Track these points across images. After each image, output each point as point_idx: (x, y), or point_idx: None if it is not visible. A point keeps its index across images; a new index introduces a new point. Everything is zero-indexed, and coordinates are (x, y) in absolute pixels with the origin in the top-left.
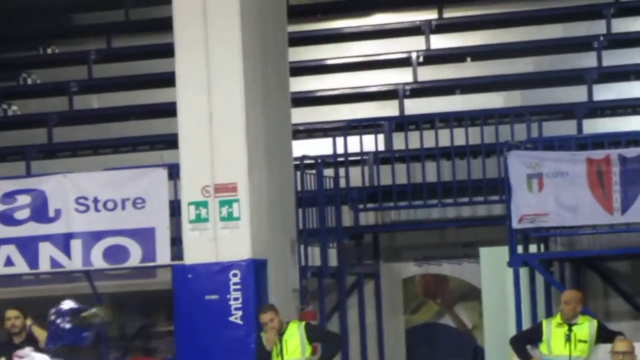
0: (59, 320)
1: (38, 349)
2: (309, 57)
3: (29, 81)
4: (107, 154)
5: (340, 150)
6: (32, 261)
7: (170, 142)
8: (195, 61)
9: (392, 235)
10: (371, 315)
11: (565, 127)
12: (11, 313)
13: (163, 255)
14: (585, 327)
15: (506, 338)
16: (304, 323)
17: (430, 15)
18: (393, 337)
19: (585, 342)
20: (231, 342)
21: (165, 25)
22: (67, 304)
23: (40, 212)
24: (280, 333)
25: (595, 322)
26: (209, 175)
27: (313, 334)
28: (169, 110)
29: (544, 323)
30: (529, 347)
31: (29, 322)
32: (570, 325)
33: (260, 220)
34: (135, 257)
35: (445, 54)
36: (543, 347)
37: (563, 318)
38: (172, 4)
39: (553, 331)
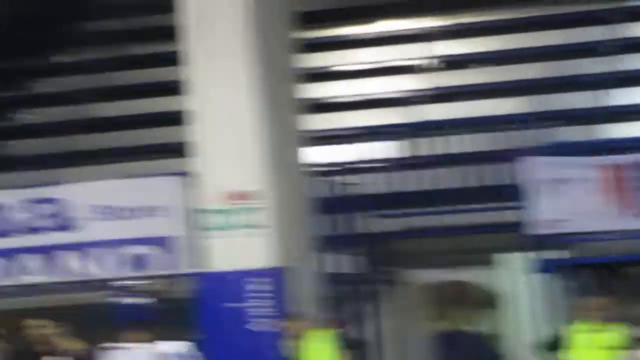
0: (123, 300)
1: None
2: (318, 63)
3: (44, 89)
4: (128, 161)
5: (353, 157)
6: (52, 270)
7: (190, 149)
8: (206, 70)
9: (413, 241)
10: (393, 322)
11: (582, 133)
12: (33, 322)
13: (182, 263)
14: (611, 334)
15: (526, 344)
16: (327, 330)
17: (438, 21)
18: (415, 344)
19: (611, 349)
20: (254, 350)
21: (177, 32)
22: (121, 283)
23: (59, 220)
24: (304, 341)
25: (621, 329)
26: (230, 183)
27: (337, 342)
28: (184, 117)
29: (569, 329)
30: (553, 353)
31: (51, 331)
32: (596, 332)
33: (281, 227)
34: (154, 265)
35: (453, 60)
36: (568, 354)
37: (589, 324)
38: (180, 13)
39: (578, 338)
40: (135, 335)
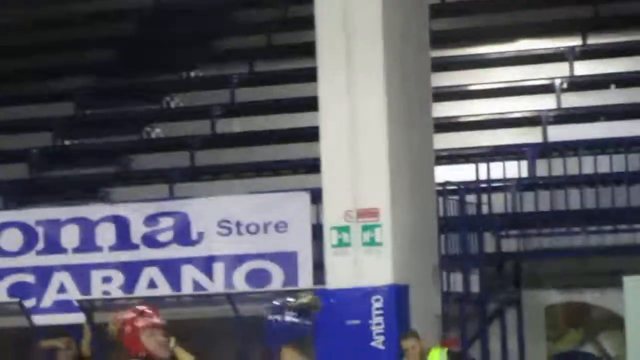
0: (277, 317)
1: None
2: (452, 82)
3: (172, 105)
4: (250, 177)
5: (483, 176)
6: (175, 284)
7: (313, 166)
8: (337, 86)
9: (534, 262)
10: (513, 343)
11: None
12: None
13: (305, 279)
14: None
15: None
16: (445, 350)
17: (575, 41)
18: None
19: None
20: None
21: (308, 49)
22: (279, 301)
23: (183, 234)
24: (423, 359)
25: None
26: (352, 200)
27: None
28: (312, 134)
29: None
30: None
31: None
32: None
33: (402, 245)
34: (277, 281)
35: (589, 81)
36: None
37: None
38: (315, 29)
39: None
40: (292, 354)
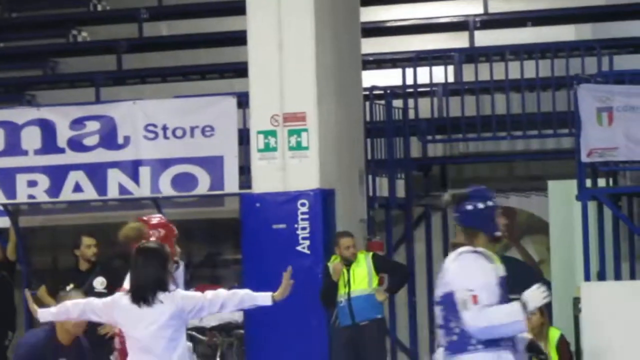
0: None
1: None
2: None
3: (99, 7)
4: (177, 81)
5: (409, 81)
6: (101, 187)
7: (240, 70)
8: None
9: (460, 167)
10: (438, 247)
11: (637, 61)
12: (89, 240)
13: (231, 183)
14: None
15: (573, 272)
16: (371, 253)
17: None
18: None
19: None
20: (298, 272)
21: None
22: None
23: (109, 138)
24: (348, 263)
25: None
26: (278, 105)
27: (380, 265)
28: (239, 38)
29: None
30: None
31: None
32: None
33: (328, 150)
34: (203, 185)
35: None
36: None
37: None
38: None
39: None
40: None
